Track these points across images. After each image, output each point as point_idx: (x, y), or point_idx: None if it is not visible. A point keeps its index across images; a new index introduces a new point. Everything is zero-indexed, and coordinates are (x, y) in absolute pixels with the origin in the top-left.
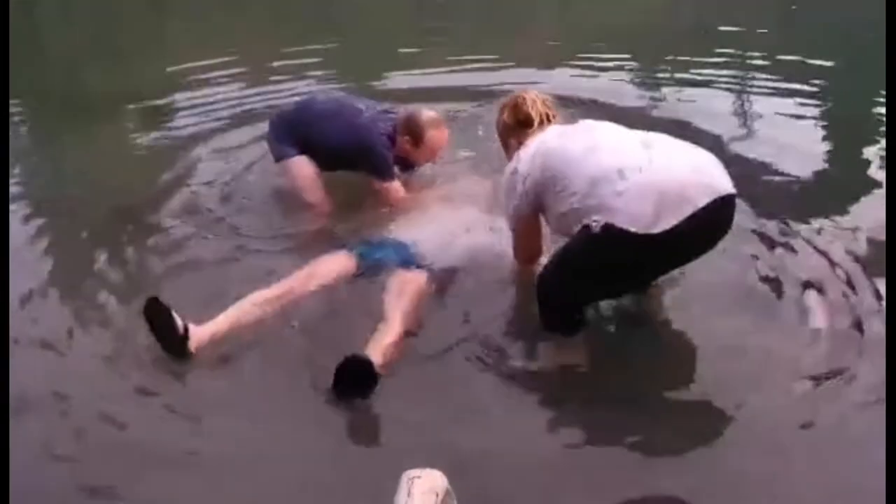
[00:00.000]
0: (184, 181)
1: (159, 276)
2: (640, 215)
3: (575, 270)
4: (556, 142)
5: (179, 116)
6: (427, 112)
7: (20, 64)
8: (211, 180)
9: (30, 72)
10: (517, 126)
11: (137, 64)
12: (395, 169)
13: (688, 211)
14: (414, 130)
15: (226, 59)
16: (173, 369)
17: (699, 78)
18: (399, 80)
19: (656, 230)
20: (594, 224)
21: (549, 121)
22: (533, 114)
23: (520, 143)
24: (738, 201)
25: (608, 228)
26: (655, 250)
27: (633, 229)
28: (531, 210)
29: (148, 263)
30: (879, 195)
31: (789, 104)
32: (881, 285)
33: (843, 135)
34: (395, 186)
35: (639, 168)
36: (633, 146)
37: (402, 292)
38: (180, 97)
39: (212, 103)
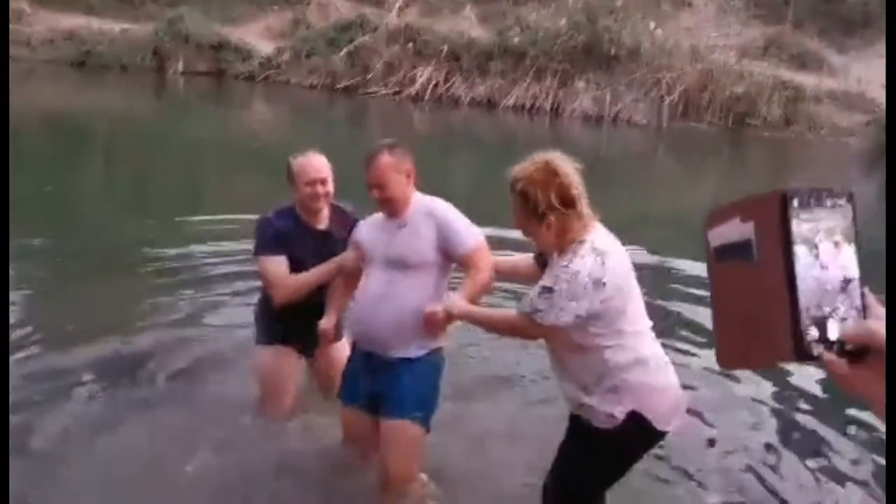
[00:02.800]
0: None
1: None
2: (664, 414)
3: (598, 467)
4: (625, 285)
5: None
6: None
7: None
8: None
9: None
10: (562, 205)
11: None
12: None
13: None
14: (287, 173)
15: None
16: None
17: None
18: None
19: (668, 428)
20: (618, 412)
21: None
22: (577, 195)
23: (563, 228)
24: None
25: (635, 418)
26: (651, 444)
27: (657, 426)
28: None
29: None
30: None
31: None
32: None
33: None
34: (263, 265)
35: (663, 365)
36: (649, 328)
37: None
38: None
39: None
